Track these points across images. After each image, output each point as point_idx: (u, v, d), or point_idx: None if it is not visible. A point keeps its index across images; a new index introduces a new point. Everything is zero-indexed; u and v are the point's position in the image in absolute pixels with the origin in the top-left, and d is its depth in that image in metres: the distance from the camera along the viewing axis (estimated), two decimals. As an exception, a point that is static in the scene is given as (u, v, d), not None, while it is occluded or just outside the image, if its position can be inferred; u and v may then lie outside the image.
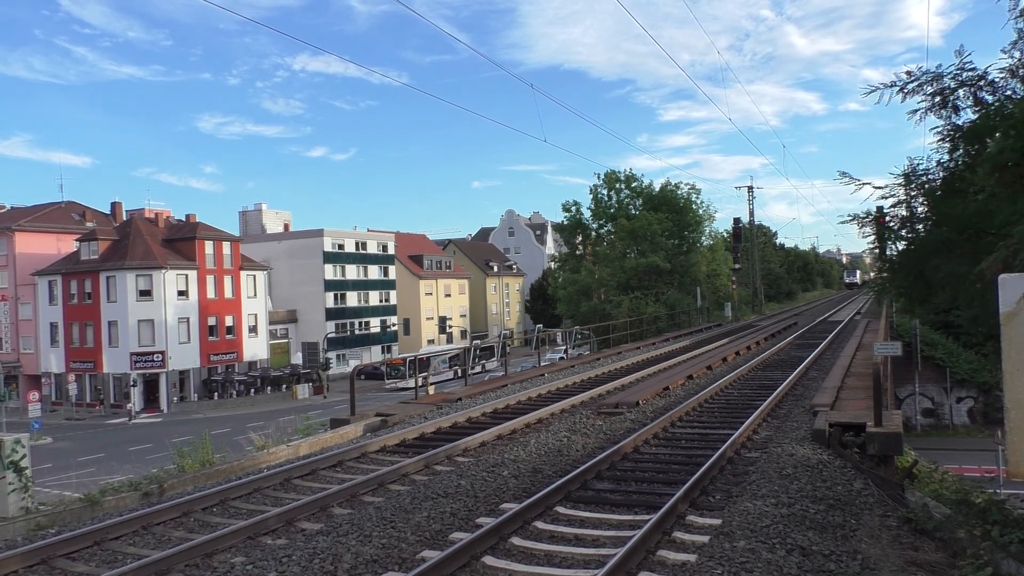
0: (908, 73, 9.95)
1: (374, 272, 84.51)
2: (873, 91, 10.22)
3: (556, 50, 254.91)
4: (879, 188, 10.81)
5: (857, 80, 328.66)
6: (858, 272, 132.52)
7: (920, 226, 11.12)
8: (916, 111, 9.93)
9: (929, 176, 10.64)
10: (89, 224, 66.71)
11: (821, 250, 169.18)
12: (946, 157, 10.38)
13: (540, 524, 7.61)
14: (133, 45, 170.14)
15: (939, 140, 10.26)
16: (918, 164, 10.86)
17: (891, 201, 11.04)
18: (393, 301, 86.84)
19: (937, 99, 9.77)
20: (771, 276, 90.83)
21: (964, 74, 9.50)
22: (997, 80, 9.52)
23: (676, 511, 7.67)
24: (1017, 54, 9.53)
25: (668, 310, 48.50)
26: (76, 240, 62.63)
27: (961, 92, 9.66)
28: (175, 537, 7.59)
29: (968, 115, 9.90)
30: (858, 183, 10.73)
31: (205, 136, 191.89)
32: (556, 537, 7.28)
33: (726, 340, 30.08)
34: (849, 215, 12.02)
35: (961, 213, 9.39)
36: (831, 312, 53.05)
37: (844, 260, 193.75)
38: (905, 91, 9.94)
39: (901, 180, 10.69)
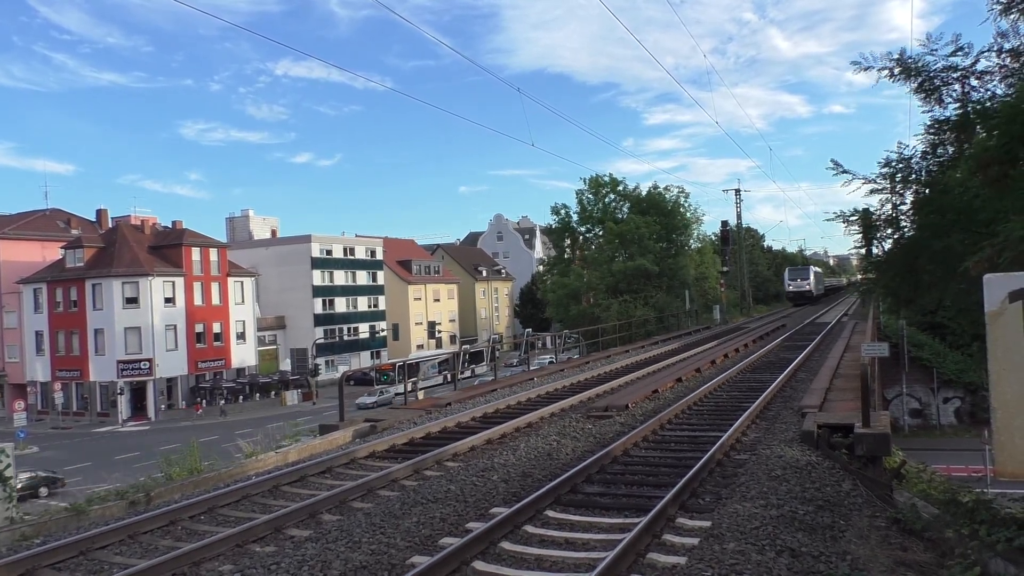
0: (899, 57, 10.05)
1: (362, 278, 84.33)
2: (864, 68, 10.34)
3: (540, 54, 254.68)
4: (868, 183, 10.91)
5: (840, 83, 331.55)
6: (813, 271, 75.25)
7: (906, 224, 11.22)
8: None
9: (913, 167, 10.73)
10: (74, 231, 66.27)
11: (808, 252, 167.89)
12: (931, 148, 10.49)
13: (530, 528, 7.59)
14: (113, 51, 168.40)
15: (924, 132, 10.39)
16: (904, 148, 10.94)
17: (878, 199, 11.12)
18: (382, 306, 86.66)
19: (923, 91, 9.89)
20: (759, 278, 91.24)
21: (954, 59, 9.62)
22: (985, 72, 9.63)
23: (666, 514, 7.67)
24: (996, 57, 9.64)
25: (657, 313, 48.64)
26: (61, 248, 62.18)
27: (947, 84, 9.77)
28: (162, 546, 7.52)
29: (953, 109, 10.02)
30: (849, 177, 10.84)
31: (189, 142, 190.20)
32: (546, 541, 7.26)
33: (715, 343, 30.17)
34: (835, 213, 12.13)
35: (949, 205, 9.48)
36: (819, 314, 53.32)
37: (832, 262, 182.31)
38: (894, 76, 10.04)
39: (887, 171, 10.79)
